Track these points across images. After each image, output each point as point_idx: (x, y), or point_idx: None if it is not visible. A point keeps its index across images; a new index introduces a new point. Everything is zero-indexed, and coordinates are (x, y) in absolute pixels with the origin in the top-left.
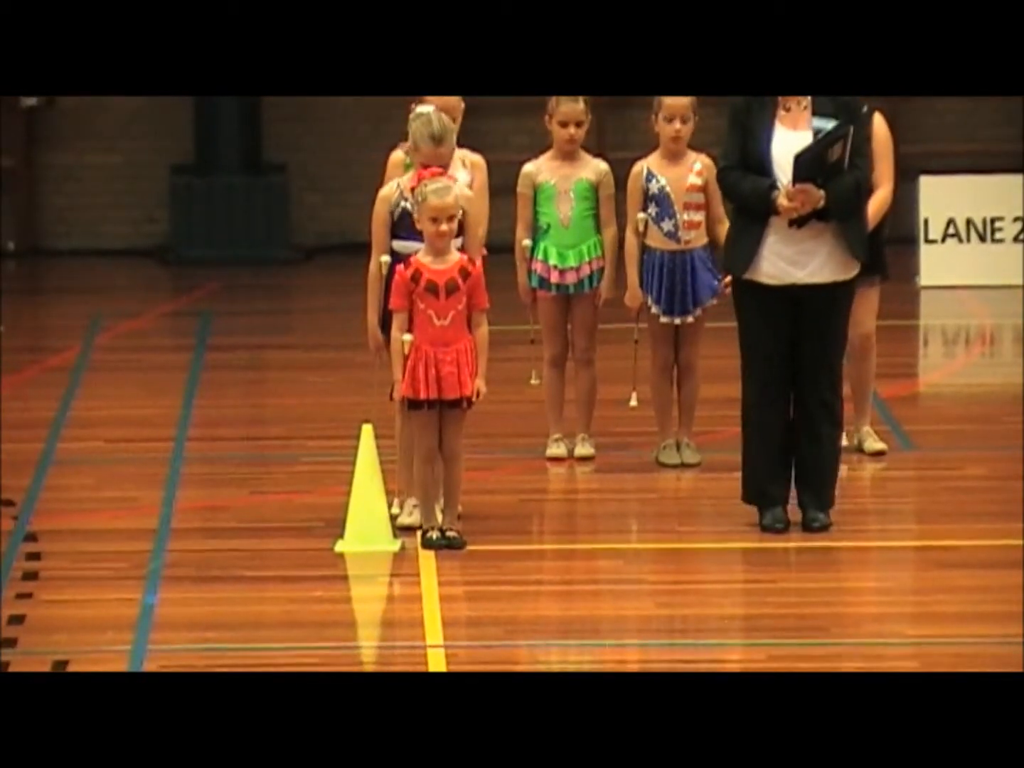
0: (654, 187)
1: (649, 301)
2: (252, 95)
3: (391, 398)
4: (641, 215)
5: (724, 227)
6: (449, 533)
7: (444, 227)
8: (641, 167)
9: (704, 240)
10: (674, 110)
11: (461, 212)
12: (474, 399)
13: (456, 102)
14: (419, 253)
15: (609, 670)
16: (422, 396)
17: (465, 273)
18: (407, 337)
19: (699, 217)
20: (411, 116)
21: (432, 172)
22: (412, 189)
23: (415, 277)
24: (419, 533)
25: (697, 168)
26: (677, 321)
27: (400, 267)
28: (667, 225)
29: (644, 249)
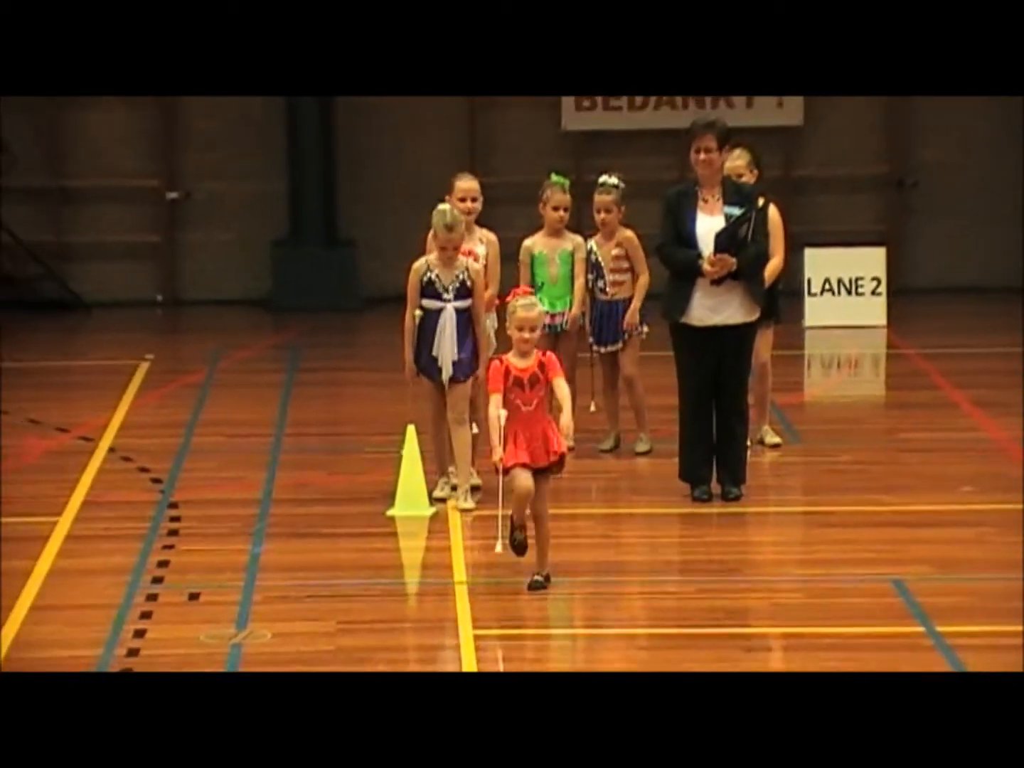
0: (592, 259)
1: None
2: (252, 95)
3: (496, 471)
4: (589, 278)
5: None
6: (537, 576)
7: (527, 335)
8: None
9: (628, 294)
10: (597, 204)
11: (472, 279)
12: (565, 452)
13: (476, 188)
14: (509, 354)
15: (580, 615)
16: (517, 462)
17: (542, 366)
18: (503, 412)
19: (621, 278)
20: (434, 212)
21: (524, 291)
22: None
23: (506, 374)
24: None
25: (616, 252)
26: (602, 350)
27: (496, 363)
28: (600, 283)
29: (594, 299)
